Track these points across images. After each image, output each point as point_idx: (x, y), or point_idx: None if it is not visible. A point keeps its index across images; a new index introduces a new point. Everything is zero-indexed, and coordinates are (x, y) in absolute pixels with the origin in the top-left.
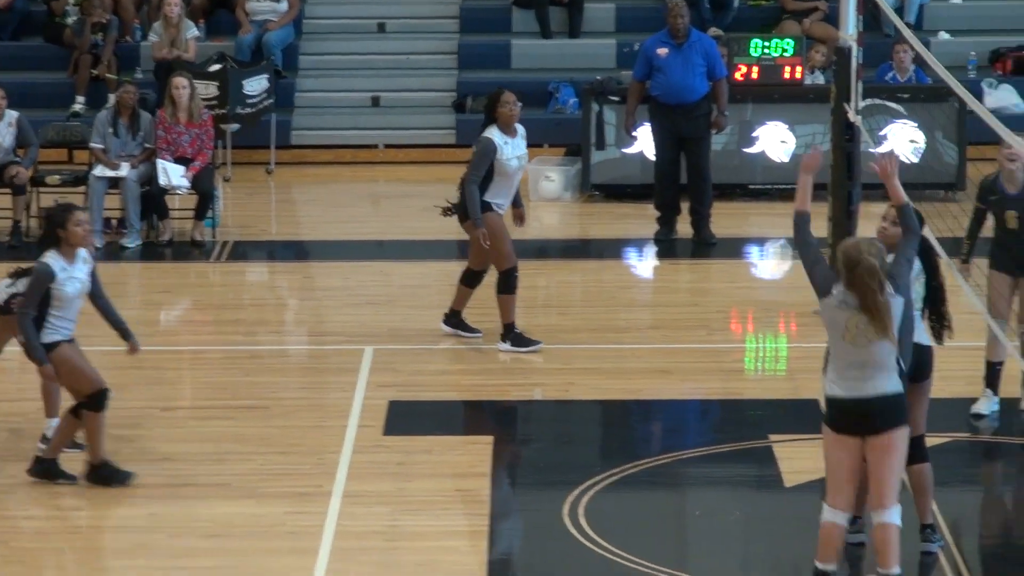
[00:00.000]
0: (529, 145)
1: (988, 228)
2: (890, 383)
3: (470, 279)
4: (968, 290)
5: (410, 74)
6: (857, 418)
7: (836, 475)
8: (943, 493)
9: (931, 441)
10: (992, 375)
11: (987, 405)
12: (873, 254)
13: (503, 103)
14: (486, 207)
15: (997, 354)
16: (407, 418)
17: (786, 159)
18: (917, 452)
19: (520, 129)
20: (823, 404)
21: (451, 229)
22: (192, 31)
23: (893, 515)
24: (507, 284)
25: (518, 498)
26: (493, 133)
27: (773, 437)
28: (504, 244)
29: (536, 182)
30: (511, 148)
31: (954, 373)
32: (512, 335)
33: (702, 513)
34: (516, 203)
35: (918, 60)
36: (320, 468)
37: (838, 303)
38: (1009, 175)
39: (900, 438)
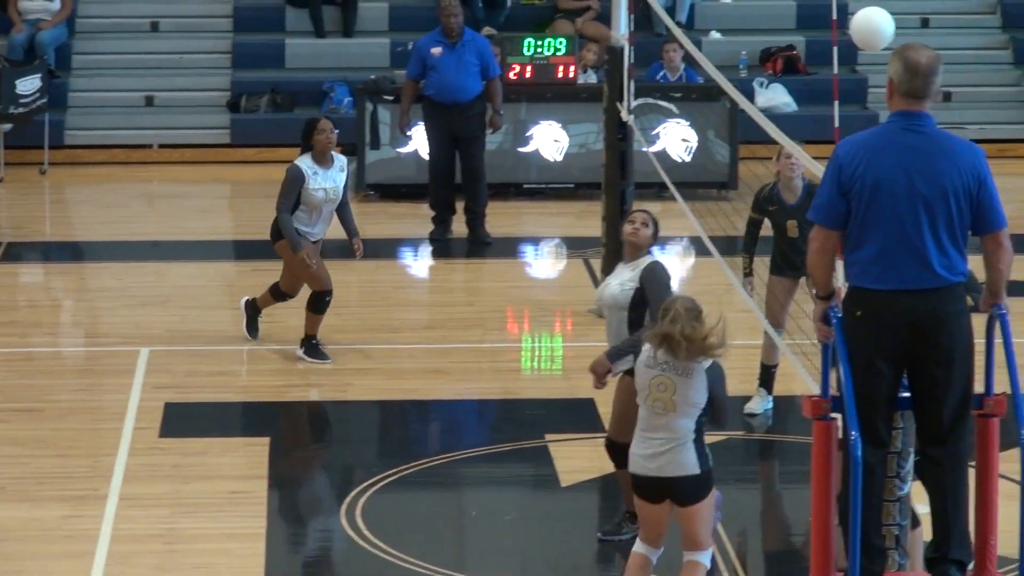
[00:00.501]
0: (298, 145)
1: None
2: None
3: (280, 296)
4: (741, 291)
5: (184, 73)
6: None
7: (644, 524)
8: (719, 490)
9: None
10: (766, 376)
11: (760, 404)
12: (680, 309)
13: (319, 131)
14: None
15: (772, 357)
16: (183, 420)
17: (560, 158)
18: None
19: (339, 160)
20: None
21: (226, 230)
22: None
23: (705, 556)
24: (318, 305)
25: (296, 500)
26: (304, 162)
27: (549, 436)
28: (308, 271)
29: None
30: (320, 178)
31: (728, 371)
32: (309, 345)
33: (479, 513)
34: (350, 233)
35: (689, 59)
36: (96, 471)
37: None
38: (788, 184)
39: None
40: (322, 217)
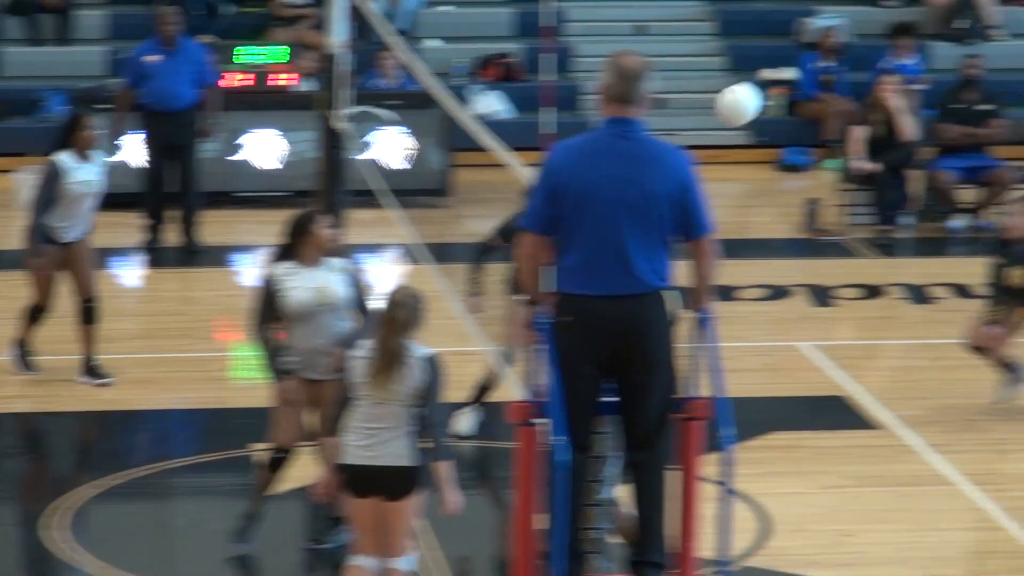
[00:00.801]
0: (13, 154)
1: None
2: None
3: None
4: (452, 297)
5: None
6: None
7: (358, 528)
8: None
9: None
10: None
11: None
12: (401, 295)
13: (83, 127)
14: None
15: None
16: None
17: (277, 166)
18: None
19: (99, 155)
20: None
21: None
22: None
23: (407, 562)
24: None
25: None
26: (61, 156)
27: (255, 446)
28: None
29: (22, 192)
30: (80, 172)
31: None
32: (90, 368)
33: (187, 523)
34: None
35: (404, 66)
36: None
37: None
38: None
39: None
40: (81, 214)
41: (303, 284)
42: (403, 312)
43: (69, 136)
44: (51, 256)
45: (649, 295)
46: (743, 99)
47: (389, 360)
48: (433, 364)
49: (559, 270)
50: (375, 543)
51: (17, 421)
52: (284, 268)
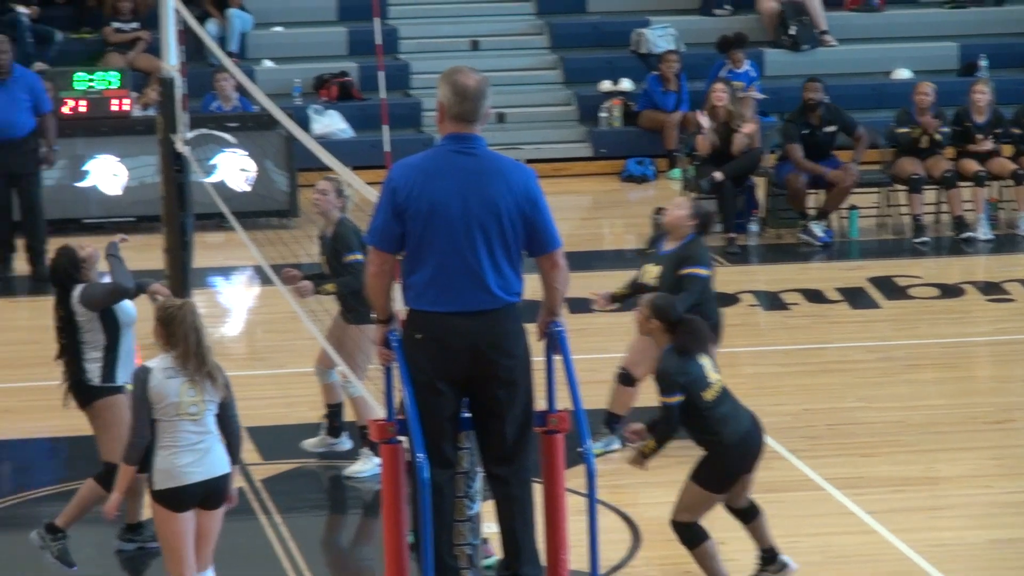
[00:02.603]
0: None
1: None
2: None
3: None
4: (305, 317)
5: None
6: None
7: (181, 545)
8: (292, 519)
9: (277, 468)
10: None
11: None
12: (189, 303)
13: None
14: None
15: (332, 397)
16: None
17: (119, 192)
18: None
19: None
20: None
21: None
22: None
23: (211, 573)
24: None
25: None
26: None
27: None
28: None
29: None
30: None
31: (296, 399)
32: None
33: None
34: None
35: (242, 89)
36: None
37: (164, 373)
38: (326, 219)
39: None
40: None
41: None
42: (199, 319)
43: None
44: None
45: (502, 310)
46: None
47: (206, 369)
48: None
49: (408, 287)
50: (194, 558)
51: None
52: None
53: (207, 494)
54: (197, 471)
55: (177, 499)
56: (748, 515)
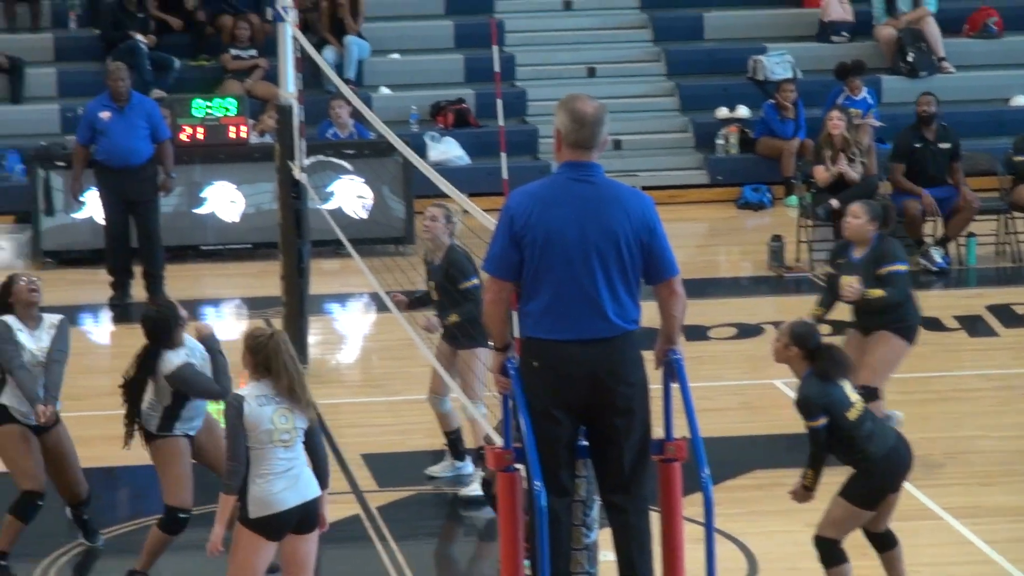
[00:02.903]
0: None
1: None
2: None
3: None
4: (423, 347)
5: None
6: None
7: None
8: (407, 546)
9: (393, 496)
10: (451, 443)
11: (445, 469)
12: (279, 332)
13: (15, 282)
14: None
15: (448, 424)
16: None
17: (237, 219)
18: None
19: (48, 318)
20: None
21: None
22: None
23: None
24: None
25: None
26: (8, 319)
27: None
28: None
29: None
30: (25, 337)
31: (411, 426)
32: None
33: None
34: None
35: (357, 115)
36: None
37: (256, 400)
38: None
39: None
40: (37, 384)
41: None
42: (291, 348)
43: (5, 300)
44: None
45: (620, 337)
46: None
47: (304, 398)
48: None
49: (526, 315)
50: None
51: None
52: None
53: (301, 519)
54: (291, 496)
55: (272, 526)
56: (886, 542)
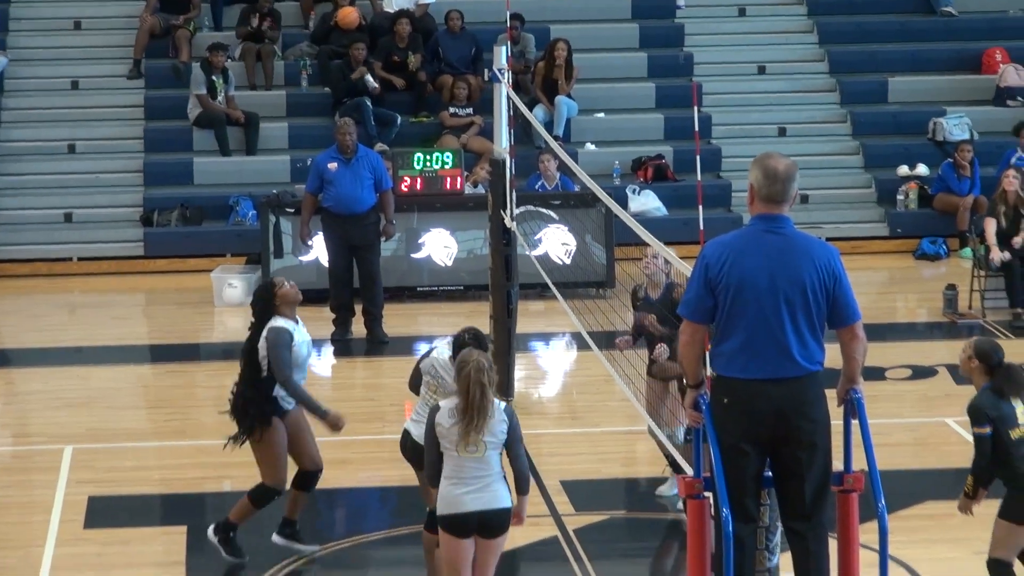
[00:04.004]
0: (213, 255)
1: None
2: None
3: (267, 497)
4: (620, 382)
5: (100, 192)
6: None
7: (457, 568)
8: (601, 566)
9: (589, 519)
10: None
11: (670, 487)
12: (482, 359)
13: (278, 285)
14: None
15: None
16: (106, 512)
17: (450, 263)
18: None
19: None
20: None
21: (141, 335)
22: None
23: None
24: (308, 481)
25: None
26: (279, 322)
27: None
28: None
29: (220, 289)
30: (299, 332)
31: (608, 455)
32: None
33: None
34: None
35: (565, 169)
36: (26, 562)
37: (448, 413)
38: (651, 281)
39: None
40: (303, 379)
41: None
42: (485, 375)
43: (271, 302)
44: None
45: (805, 377)
46: None
47: (482, 422)
48: (509, 409)
49: (718, 355)
50: None
51: (225, 499)
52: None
53: (482, 524)
54: (472, 501)
55: (453, 525)
56: None
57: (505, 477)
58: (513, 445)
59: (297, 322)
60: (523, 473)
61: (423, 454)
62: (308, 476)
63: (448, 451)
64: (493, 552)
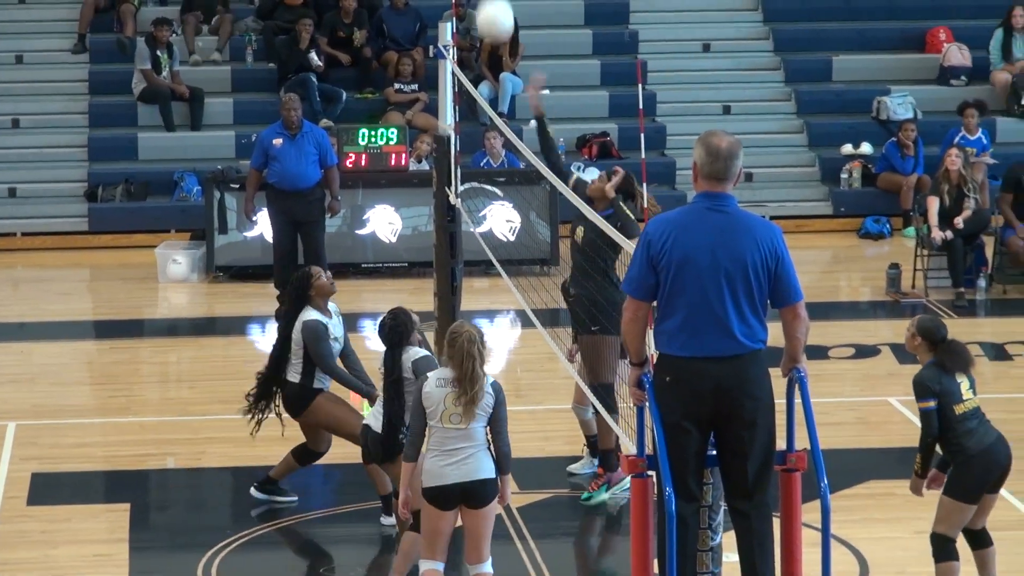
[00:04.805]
0: (157, 230)
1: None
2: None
3: (310, 457)
4: (564, 360)
5: (44, 167)
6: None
7: (437, 539)
8: (545, 545)
9: (533, 497)
10: (591, 444)
11: (583, 466)
12: (474, 331)
13: (315, 276)
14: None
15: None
16: (49, 489)
17: (394, 239)
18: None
19: (333, 306)
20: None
21: (86, 311)
22: None
23: (487, 566)
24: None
25: (155, 561)
26: (311, 315)
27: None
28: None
29: (165, 265)
30: (333, 328)
31: (553, 434)
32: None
33: (326, 570)
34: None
35: (510, 146)
36: None
37: (437, 382)
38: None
39: (494, 508)
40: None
41: None
42: (477, 347)
43: (305, 292)
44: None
45: (747, 356)
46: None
47: (472, 393)
48: (497, 389)
49: (660, 333)
50: (445, 548)
51: (166, 477)
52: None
53: (465, 494)
54: (455, 474)
55: (436, 497)
56: (980, 540)
57: (490, 448)
58: (497, 423)
59: (331, 315)
60: (505, 453)
61: (384, 445)
62: (309, 454)
63: (433, 423)
64: (483, 521)
